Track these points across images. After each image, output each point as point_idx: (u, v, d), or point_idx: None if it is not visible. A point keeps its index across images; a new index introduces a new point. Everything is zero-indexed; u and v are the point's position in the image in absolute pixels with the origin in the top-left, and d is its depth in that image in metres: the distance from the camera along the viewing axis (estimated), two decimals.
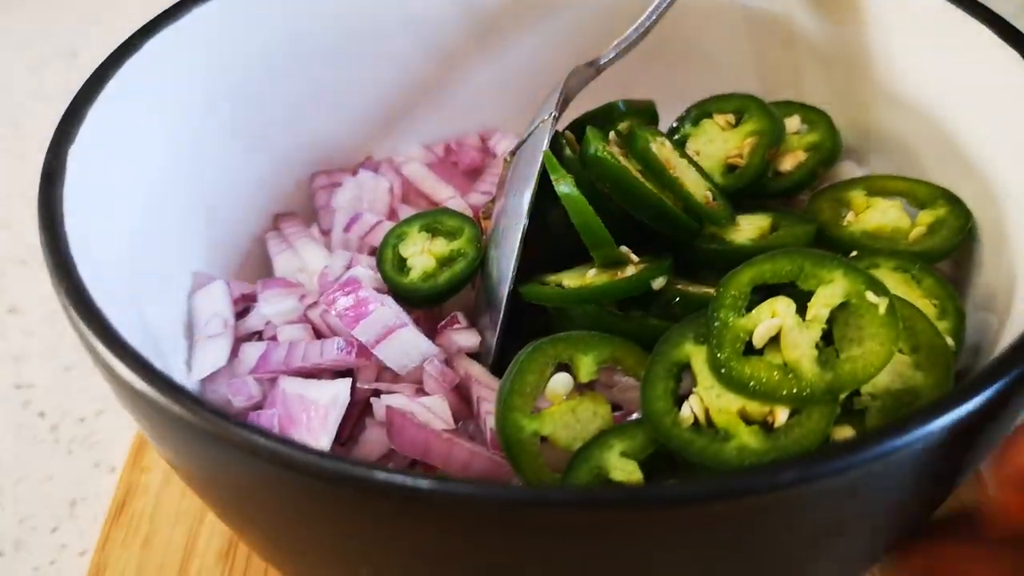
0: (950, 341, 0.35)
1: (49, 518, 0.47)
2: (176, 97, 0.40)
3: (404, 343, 0.38)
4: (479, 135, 0.53)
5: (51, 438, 0.50)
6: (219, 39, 0.42)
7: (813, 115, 0.46)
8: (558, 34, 0.51)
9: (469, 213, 0.46)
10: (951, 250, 0.39)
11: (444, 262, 0.42)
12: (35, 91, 0.75)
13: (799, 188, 0.44)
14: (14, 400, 0.52)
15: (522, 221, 0.38)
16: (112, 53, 0.38)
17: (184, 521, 0.45)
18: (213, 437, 0.26)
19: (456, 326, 0.40)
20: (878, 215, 0.41)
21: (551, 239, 0.40)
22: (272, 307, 0.41)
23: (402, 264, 0.42)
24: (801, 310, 0.33)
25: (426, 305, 0.41)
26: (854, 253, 0.39)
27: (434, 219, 0.43)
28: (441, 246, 0.42)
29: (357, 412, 0.39)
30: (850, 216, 0.42)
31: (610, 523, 0.24)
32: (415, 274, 0.41)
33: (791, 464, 0.24)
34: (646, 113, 0.46)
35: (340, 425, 0.37)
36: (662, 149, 0.41)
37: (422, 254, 0.42)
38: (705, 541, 0.26)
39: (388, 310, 0.38)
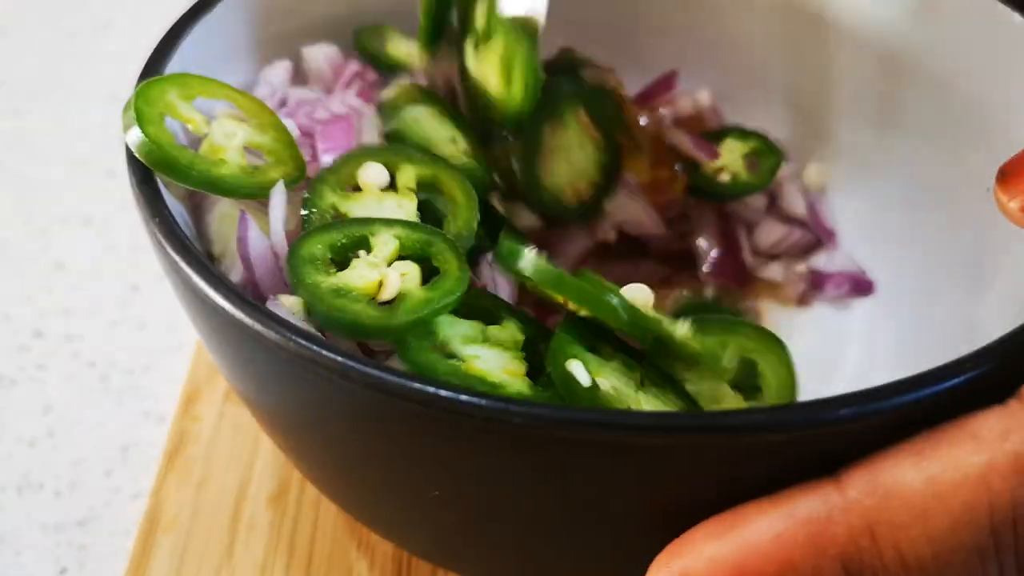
0: None
1: (102, 462, 0.48)
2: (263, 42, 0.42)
3: None
4: None
5: (101, 387, 0.52)
6: None
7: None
8: None
9: None
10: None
11: None
12: (70, 59, 0.77)
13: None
14: (64, 351, 0.54)
15: None
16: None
17: (235, 468, 0.47)
18: (307, 361, 0.27)
19: None
20: None
21: None
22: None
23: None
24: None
25: None
26: None
27: None
28: None
29: None
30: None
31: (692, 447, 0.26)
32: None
33: (856, 399, 0.26)
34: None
35: None
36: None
37: None
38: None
39: None
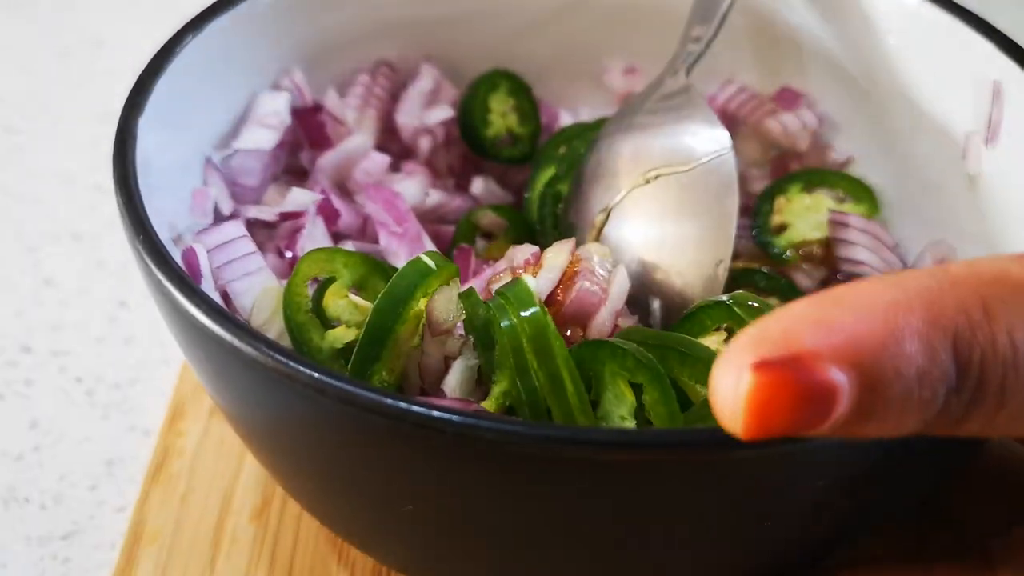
0: None
1: (87, 476, 0.49)
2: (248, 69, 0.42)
3: None
4: None
5: (87, 402, 0.53)
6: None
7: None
8: None
9: None
10: None
11: None
12: (62, 77, 0.77)
13: None
14: (51, 365, 0.54)
15: None
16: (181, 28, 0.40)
17: (219, 483, 0.47)
18: (281, 375, 0.28)
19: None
20: None
21: None
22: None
23: None
24: None
25: None
26: None
27: None
28: None
29: None
30: None
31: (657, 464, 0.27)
32: None
33: None
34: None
35: None
36: None
37: None
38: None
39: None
